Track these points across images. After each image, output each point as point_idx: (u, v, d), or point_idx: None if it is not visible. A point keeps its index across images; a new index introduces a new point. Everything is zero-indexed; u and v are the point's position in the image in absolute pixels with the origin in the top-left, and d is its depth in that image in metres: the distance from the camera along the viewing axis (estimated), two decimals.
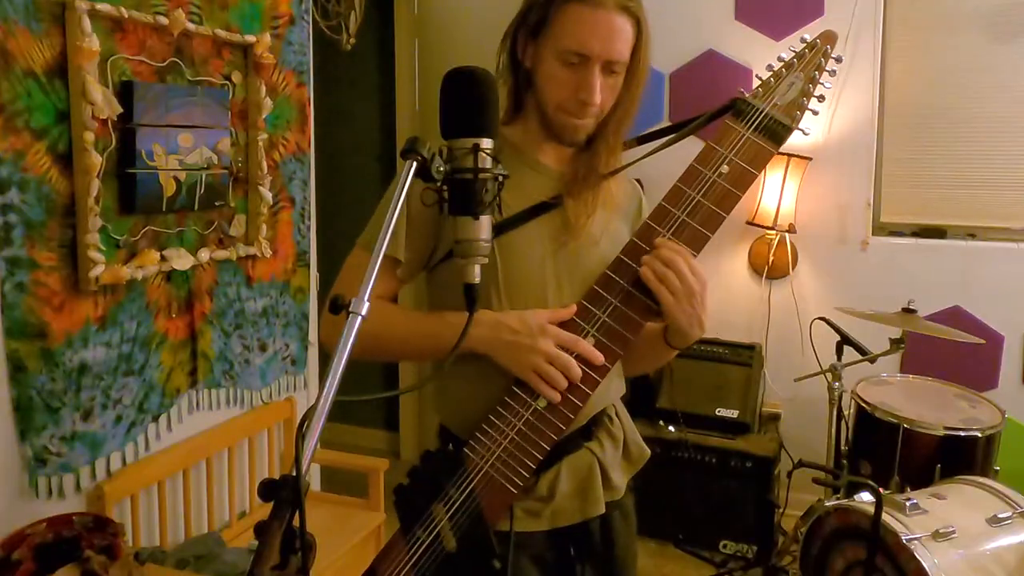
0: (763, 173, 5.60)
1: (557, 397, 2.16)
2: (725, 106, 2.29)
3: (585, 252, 2.31)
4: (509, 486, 2.18)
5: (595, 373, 2.19)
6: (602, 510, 2.37)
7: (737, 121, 2.24)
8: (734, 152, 2.22)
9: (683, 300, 2.16)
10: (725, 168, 2.22)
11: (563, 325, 2.21)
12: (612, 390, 2.45)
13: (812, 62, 2.30)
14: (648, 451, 2.59)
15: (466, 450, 2.20)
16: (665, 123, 6.17)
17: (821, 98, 2.28)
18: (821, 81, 2.30)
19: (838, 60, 2.33)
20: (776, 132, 2.24)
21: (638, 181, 2.60)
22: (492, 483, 2.18)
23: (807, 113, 2.28)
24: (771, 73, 2.30)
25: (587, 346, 2.18)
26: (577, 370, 2.16)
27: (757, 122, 2.24)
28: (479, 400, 2.25)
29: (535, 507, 2.30)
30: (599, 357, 2.18)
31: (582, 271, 2.29)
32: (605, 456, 2.40)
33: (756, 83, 2.30)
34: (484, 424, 2.20)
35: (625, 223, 2.46)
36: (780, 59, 2.32)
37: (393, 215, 1.62)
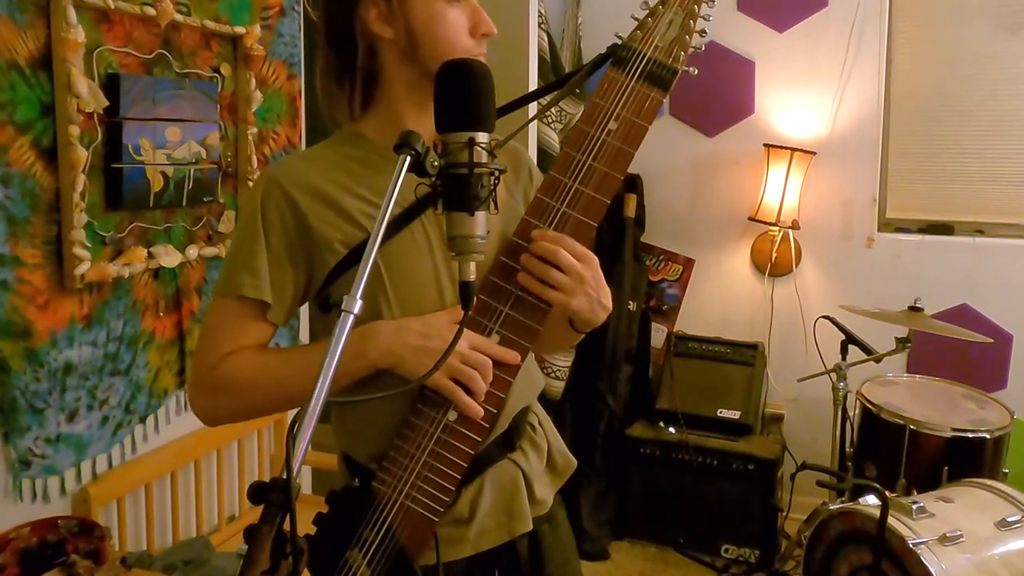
0: (765, 168, 5.61)
1: (479, 410, 2.01)
2: (604, 55, 2.11)
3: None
4: (429, 515, 2.04)
5: (505, 374, 2.05)
6: (529, 527, 2.21)
7: (619, 71, 2.07)
8: (620, 106, 2.05)
9: (575, 292, 2.02)
10: (613, 124, 2.05)
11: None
12: (529, 386, 2.31)
13: None
14: (574, 461, 2.41)
15: (375, 483, 2.05)
16: (666, 118, 6.17)
17: (703, 32, 2.07)
18: (701, 14, 2.08)
19: None
20: (661, 77, 2.05)
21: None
22: (410, 514, 2.04)
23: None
24: (647, 11, 2.10)
25: (500, 347, 2.04)
26: (490, 372, 2.02)
27: (640, 68, 2.06)
28: (380, 422, 2.11)
29: (455, 532, 2.14)
30: (514, 356, 2.05)
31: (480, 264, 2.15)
32: (530, 468, 2.25)
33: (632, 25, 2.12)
34: (391, 450, 2.05)
35: (515, 197, 2.31)
36: None
37: (387, 209, 1.60)
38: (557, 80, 2.31)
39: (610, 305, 2.12)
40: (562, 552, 2.36)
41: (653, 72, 2.06)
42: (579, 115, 2.10)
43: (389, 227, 1.88)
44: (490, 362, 2.02)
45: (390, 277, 2.07)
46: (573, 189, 2.04)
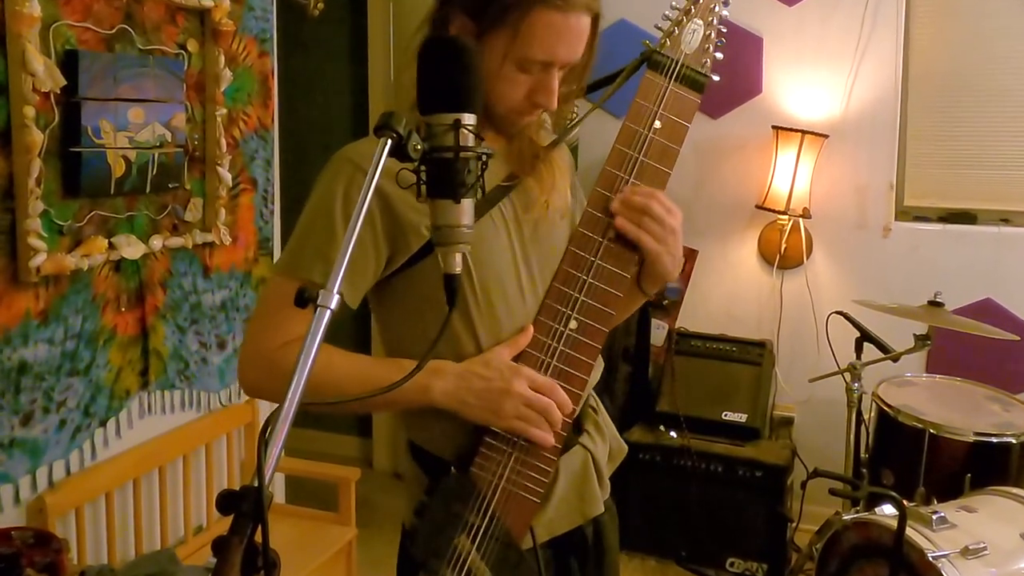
0: (774, 152, 5.62)
1: (550, 439, 2.19)
2: (641, 59, 2.34)
3: (554, 230, 2.34)
4: (531, 497, 2.21)
5: (577, 387, 2.26)
6: (601, 509, 2.39)
7: (656, 74, 2.31)
8: (662, 106, 2.30)
9: (667, 241, 2.25)
10: (658, 123, 2.29)
11: (538, 327, 2.24)
12: (596, 373, 2.43)
13: (706, 6, 2.35)
14: (625, 446, 2.58)
15: (474, 469, 2.21)
16: None
17: (719, 43, 2.35)
18: (717, 25, 2.35)
19: (726, 3, 2.37)
20: (695, 81, 2.32)
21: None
22: (512, 498, 2.21)
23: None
24: (670, 21, 2.35)
25: (561, 393, 2.21)
26: (557, 413, 2.19)
27: (675, 72, 2.31)
28: (453, 417, 2.23)
29: (535, 516, 2.29)
30: (568, 405, 2.22)
31: (553, 249, 2.32)
32: (597, 450, 2.41)
33: (658, 34, 2.36)
34: (487, 436, 2.21)
35: (571, 192, 2.48)
36: (673, 6, 2.36)
37: (367, 196, 1.60)
38: (607, 76, 2.43)
39: (683, 263, 2.36)
40: (616, 539, 2.55)
41: (687, 76, 2.32)
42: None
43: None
44: (553, 404, 2.19)
45: (475, 264, 2.21)
46: (629, 183, 2.27)
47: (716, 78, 2.34)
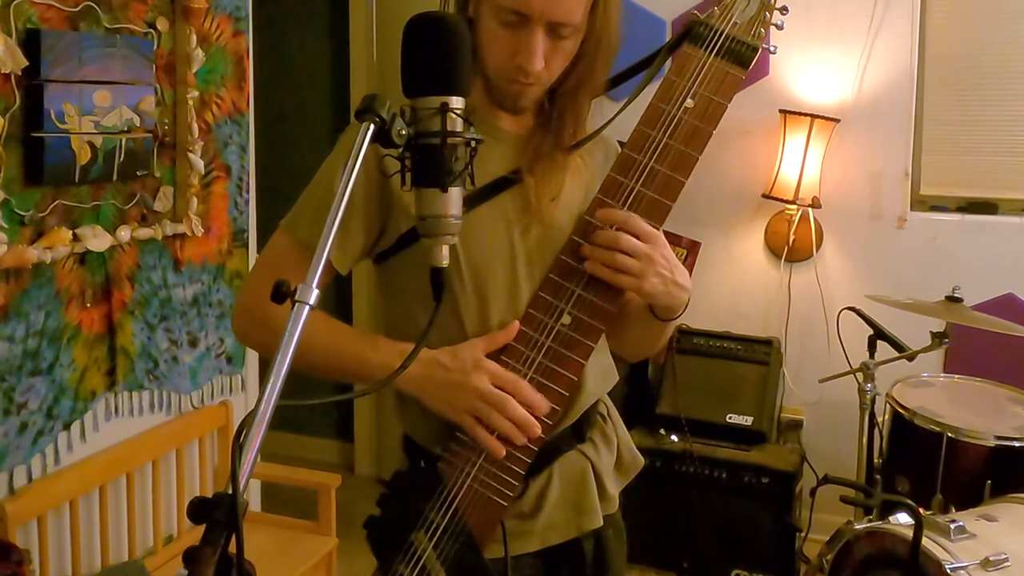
0: (782, 137, 5.62)
1: (500, 450, 2.18)
2: (683, 33, 2.31)
3: (550, 239, 2.31)
4: (498, 499, 2.20)
5: (560, 387, 2.23)
6: (599, 522, 2.38)
7: (696, 47, 2.27)
8: (697, 82, 2.25)
9: (645, 274, 2.19)
10: (690, 102, 2.24)
11: (527, 320, 2.24)
12: (603, 380, 2.46)
13: None
14: (642, 459, 2.60)
15: (441, 464, 2.21)
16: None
17: (784, 10, 2.29)
18: None
19: None
20: (741, 54, 2.26)
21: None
22: (478, 498, 2.20)
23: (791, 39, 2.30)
24: None
25: (528, 388, 2.20)
26: (515, 410, 2.17)
27: (718, 45, 2.26)
28: None
29: (522, 526, 2.30)
30: (543, 405, 2.21)
31: (552, 257, 2.30)
32: (600, 460, 2.41)
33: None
34: (458, 431, 2.21)
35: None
36: None
37: (347, 187, 1.60)
38: (635, 65, 2.43)
39: (688, 284, 2.30)
40: (622, 559, 2.55)
41: (732, 49, 2.25)
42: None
43: (472, 197, 2.12)
44: (511, 400, 2.17)
45: (465, 253, 2.23)
46: (648, 167, 2.23)
47: (772, 48, 2.30)
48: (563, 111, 2.34)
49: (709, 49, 2.25)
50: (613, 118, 2.40)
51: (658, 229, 2.23)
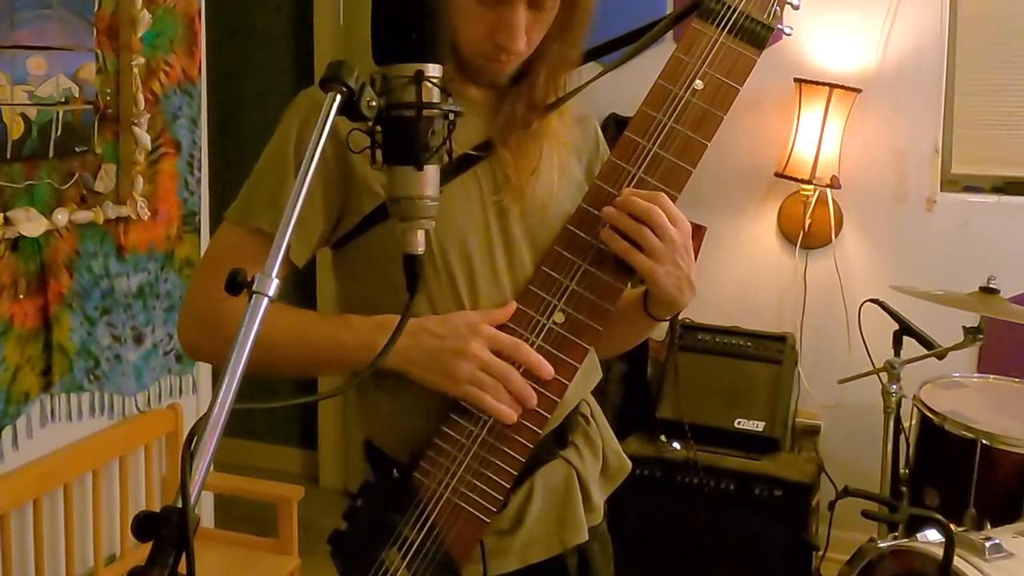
0: (796, 109, 5.63)
1: (511, 414, 2.17)
2: (689, 6, 2.31)
3: (536, 217, 2.32)
4: (480, 514, 2.19)
5: (562, 375, 2.22)
6: (584, 537, 2.38)
7: (705, 23, 2.27)
8: (707, 63, 2.26)
9: (666, 260, 2.19)
10: (699, 83, 2.25)
11: (516, 317, 2.23)
12: (585, 379, 2.44)
13: None
14: (629, 463, 2.59)
15: (417, 475, 2.20)
16: (667, 44, 6.18)
17: None
18: None
19: None
20: (755, 33, 2.28)
21: (611, 117, 2.61)
22: (457, 513, 2.19)
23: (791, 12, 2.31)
24: None
25: (531, 353, 2.19)
26: (519, 380, 2.16)
27: (731, 22, 2.26)
28: (412, 412, 2.26)
29: (500, 543, 2.29)
30: (547, 369, 2.20)
31: (539, 238, 2.31)
32: (585, 467, 2.41)
33: None
34: (436, 438, 2.20)
35: (581, 167, 2.47)
36: None
37: (310, 167, 1.60)
38: (632, 32, 2.42)
39: (695, 287, 2.31)
40: (608, 574, 2.54)
41: (745, 27, 2.26)
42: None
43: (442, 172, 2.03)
44: (515, 371, 2.17)
45: (437, 236, 2.19)
46: (652, 153, 2.24)
47: (788, 31, 2.34)
48: (538, 77, 2.33)
49: (721, 26, 2.25)
50: (591, 81, 2.41)
51: None
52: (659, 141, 2.23)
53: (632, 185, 2.23)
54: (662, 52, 2.37)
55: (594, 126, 2.58)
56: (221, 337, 2.06)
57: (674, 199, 2.23)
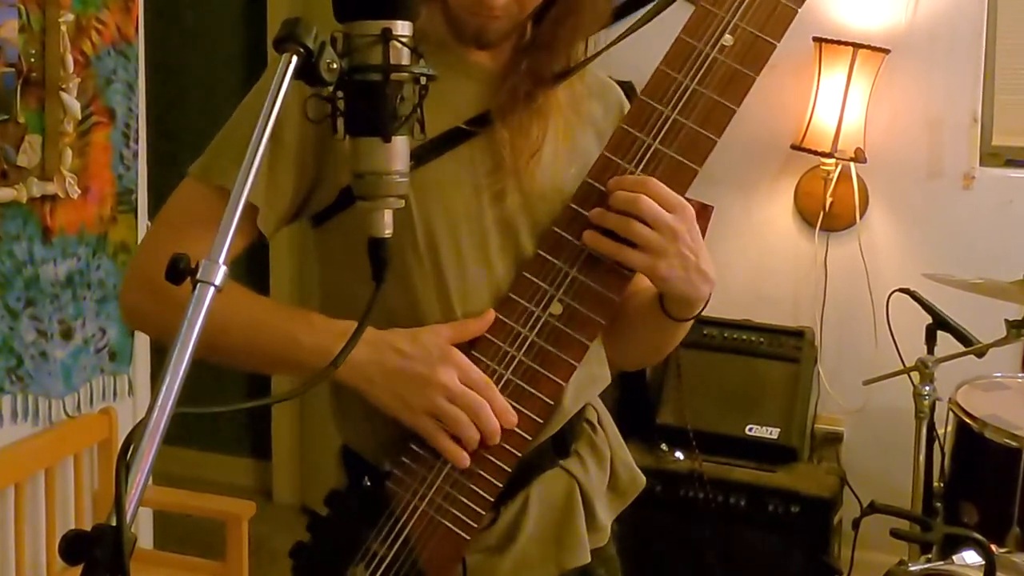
0: (816, 73, 5.64)
1: (464, 459, 2.14)
2: None
3: (530, 206, 2.29)
4: (459, 530, 2.17)
5: (533, 412, 2.19)
6: (586, 558, 2.34)
7: None
8: (739, 14, 2.20)
9: (664, 252, 2.13)
10: (728, 38, 2.20)
11: (507, 307, 2.21)
12: (590, 383, 2.42)
13: None
14: (643, 478, 2.58)
15: (391, 484, 2.18)
16: (677, 3, 6.17)
17: None
18: None
19: None
20: None
21: (626, 85, 2.59)
22: (434, 528, 2.17)
23: None
24: None
25: (500, 401, 2.15)
26: (489, 420, 2.13)
27: None
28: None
29: (488, 562, 2.27)
30: (511, 417, 2.16)
31: (539, 226, 2.28)
32: (588, 480, 2.39)
33: None
34: (413, 444, 2.18)
35: (599, 147, 2.36)
36: None
37: (263, 134, 1.60)
38: None
39: (713, 274, 2.23)
40: None
41: None
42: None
43: (425, 151, 2.06)
44: (486, 404, 2.12)
45: (422, 220, 2.19)
46: (671, 120, 2.17)
47: None
48: (547, 45, 2.29)
49: None
50: (603, 51, 2.35)
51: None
52: (680, 106, 2.17)
53: (646, 156, 2.17)
54: (685, 7, 2.33)
55: (617, 96, 2.55)
56: (168, 305, 2.01)
57: (694, 174, 2.18)
